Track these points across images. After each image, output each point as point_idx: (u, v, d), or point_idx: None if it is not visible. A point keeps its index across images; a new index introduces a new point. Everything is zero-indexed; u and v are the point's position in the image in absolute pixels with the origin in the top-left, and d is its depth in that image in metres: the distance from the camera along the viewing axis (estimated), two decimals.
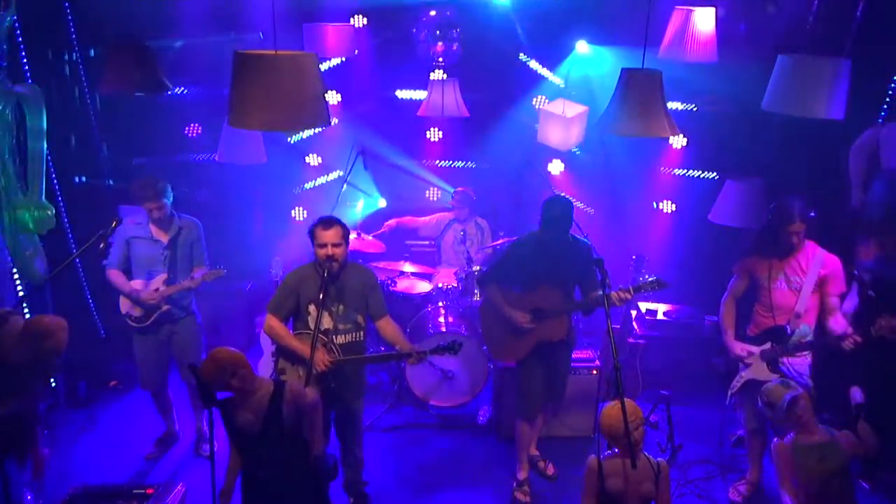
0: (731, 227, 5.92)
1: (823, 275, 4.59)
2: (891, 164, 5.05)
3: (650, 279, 4.54)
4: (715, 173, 6.77)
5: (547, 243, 4.64)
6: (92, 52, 6.29)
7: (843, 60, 4.07)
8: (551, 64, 7.16)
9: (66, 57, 6.13)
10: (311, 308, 4.33)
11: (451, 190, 7.06)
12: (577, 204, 7.32)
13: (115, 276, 5.10)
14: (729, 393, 4.78)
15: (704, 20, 5.31)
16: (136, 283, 5.08)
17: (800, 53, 4.33)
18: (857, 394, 4.01)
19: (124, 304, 5.16)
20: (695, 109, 6.73)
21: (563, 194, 5.59)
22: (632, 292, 4.44)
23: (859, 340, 4.29)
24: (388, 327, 4.53)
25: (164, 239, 5.07)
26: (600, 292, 4.44)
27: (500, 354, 5.03)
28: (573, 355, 5.39)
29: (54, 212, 5.30)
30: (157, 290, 5.05)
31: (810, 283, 4.59)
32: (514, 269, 4.78)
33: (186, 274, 5.11)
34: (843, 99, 4.09)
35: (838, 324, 4.50)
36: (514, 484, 5.01)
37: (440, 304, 6.27)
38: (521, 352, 4.81)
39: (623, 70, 3.55)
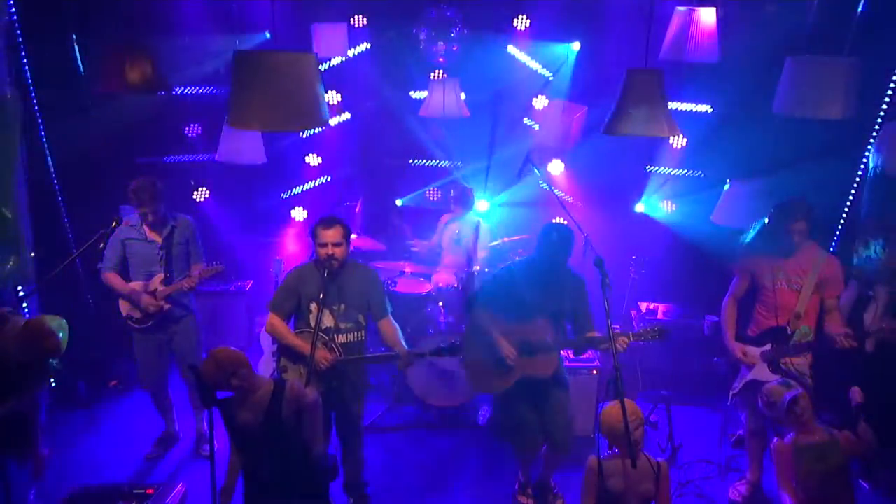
0: (733, 228, 5.90)
1: (824, 276, 4.59)
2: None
3: (654, 328, 4.41)
4: (715, 173, 6.78)
5: (542, 271, 4.45)
6: (92, 51, 6.29)
7: (853, 60, 4.06)
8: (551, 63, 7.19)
9: (66, 55, 6.13)
10: (313, 307, 4.34)
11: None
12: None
13: (112, 278, 5.10)
14: (731, 394, 4.78)
15: (706, 20, 5.31)
16: (135, 285, 5.08)
17: (807, 55, 4.31)
18: (857, 394, 4.02)
19: (124, 307, 5.15)
20: (709, 110, 6.71)
21: (563, 197, 5.56)
22: (631, 338, 4.33)
23: (854, 345, 4.30)
24: (387, 328, 4.53)
25: (159, 239, 5.06)
26: (596, 335, 4.40)
27: (478, 385, 4.77)
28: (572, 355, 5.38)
29: (10, 218, 5.27)
30: (155, 290, 5.05)
31: (811, 284, 4.60)
32: (504, 295, 4.57)
33: (184, 272, 5.11)
34: (854, 98, 4.08)
35: (836, 325, 4.51)
36: (517, 486, 5.00)
37: (440, 304, 6.27)
38: (501, 385, 4.59)
39: (626, 70, 3.55)
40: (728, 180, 5.84)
